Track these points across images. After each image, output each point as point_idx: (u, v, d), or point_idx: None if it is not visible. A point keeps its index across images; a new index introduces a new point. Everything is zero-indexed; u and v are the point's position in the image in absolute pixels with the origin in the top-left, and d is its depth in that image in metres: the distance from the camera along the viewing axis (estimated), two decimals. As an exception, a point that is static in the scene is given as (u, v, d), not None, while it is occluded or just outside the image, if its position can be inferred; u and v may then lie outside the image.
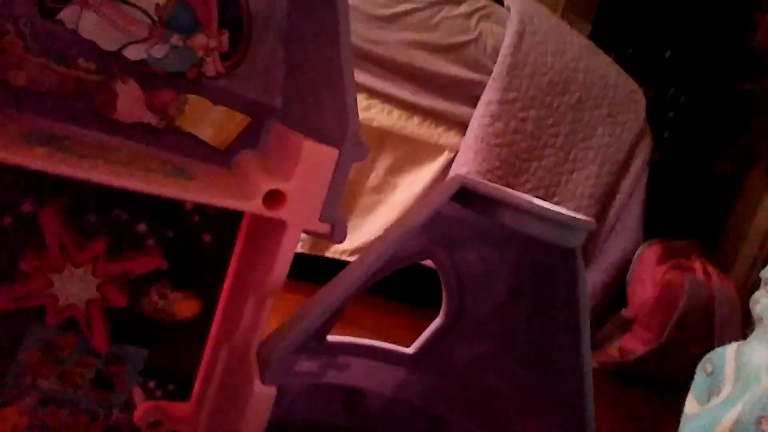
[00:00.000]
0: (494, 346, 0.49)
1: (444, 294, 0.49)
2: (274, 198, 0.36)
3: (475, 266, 0.45)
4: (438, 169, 1.56)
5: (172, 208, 0.43)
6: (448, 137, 1.57)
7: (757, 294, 0.49)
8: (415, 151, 1.53)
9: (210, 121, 0.43)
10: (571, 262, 0.37)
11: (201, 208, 0.44)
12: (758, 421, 0.36)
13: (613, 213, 1.69)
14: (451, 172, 1.52)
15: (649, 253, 1.64)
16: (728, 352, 0.43)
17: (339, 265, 1.34)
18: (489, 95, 1.51)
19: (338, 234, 0.36)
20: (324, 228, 0.36)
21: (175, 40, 0.41)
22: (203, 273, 0.44)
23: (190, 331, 0.46)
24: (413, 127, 1.52)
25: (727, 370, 0.41)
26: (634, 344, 1.56)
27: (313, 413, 0.57)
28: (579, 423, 0.43)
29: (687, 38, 1.99)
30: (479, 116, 1.52)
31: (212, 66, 0.42)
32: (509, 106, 1.55)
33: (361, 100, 1.44)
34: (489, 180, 1.48)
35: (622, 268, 1.65)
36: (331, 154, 0.34)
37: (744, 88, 1.64)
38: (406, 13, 1.46)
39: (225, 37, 0.41)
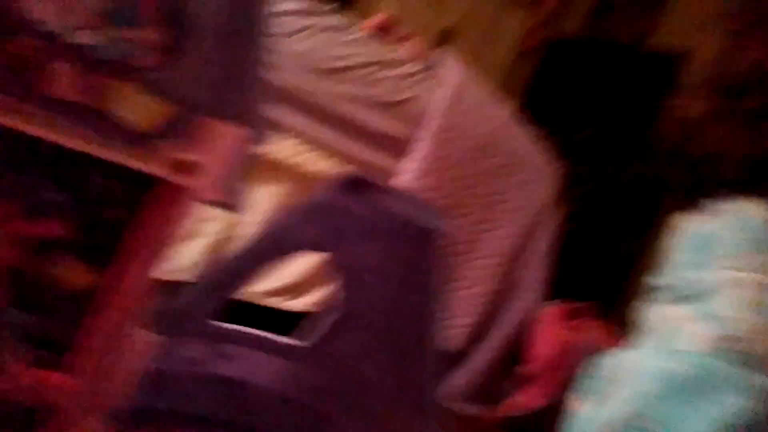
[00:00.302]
0: (372, 338, 0.54)
1: (333, 288, 0.54)
2: (183, 168, 0.41)
3: (359, 260, 0.51)
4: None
5: (82, 180, 0.47)
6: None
7: (637, 303, 0.55)
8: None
9: (138, 108, 0.48)
10: (431, 243, 0.44)
11: (109, 185, 0.47)
12: (638, 419, 0.42)
13: (522, 272, 1.80)
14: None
15: (550, 313, 1.75)
16: (609, 357, 0.49)
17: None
18: (418, 152, 1.62)
19: (237, 205, 0.41)
20: (226, 198, 0.41)
21: (116, 30, 0.46)
22: (102, 246, 0.48)
23: (80, 301, 0.48)
24: (345, 175, 1.58)
25: (607, 373, 0.47)
26: (529, 399, 1.63)
27: (198, 406, 0.60)
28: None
29: (605, 121, 2.21)
30: (408, 170, 1.61)
31: (149, 59, 0.47)
32: (436, 164, 1.66)
33: (296, 145, 1.52)
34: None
35: (525, 325, 1.75)
36: (238, 133, 0.40)
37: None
38: (348, 68, 1.57)
39: (164, 34, 0.46)
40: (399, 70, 1.65)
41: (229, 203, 0.41)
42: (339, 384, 0.58)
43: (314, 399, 0.60)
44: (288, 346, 0.58)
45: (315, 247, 0.52)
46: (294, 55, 1.45)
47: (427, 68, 1.71)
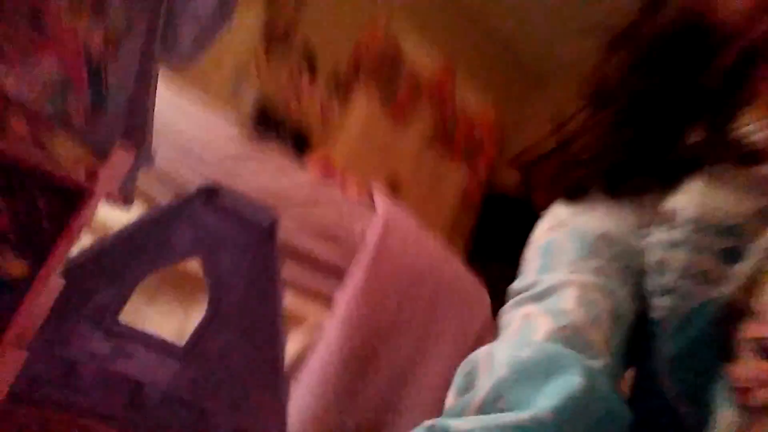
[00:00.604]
0: (234, 333, 0.70)
1: (206, 291, 0.72)
2: (91, 178, 0.61)
3: (226, 266, 0.69)
4: (301, 339, 1.76)
5: (25, 193, 0.66)
6: (313, 308, 1.81)
7: (503, 307, 0.60)
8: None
9: (68, 149, 0.69)
10: (271, 238, 0.63)
11: (47, 199, 0.67)
12: (495, 401, 0.46)
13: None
14: (319, 343, 1.73)
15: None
16: (482, 352, 0.53)
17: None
18: (353, 282, 1.81)
19: (127, 205, 0.61)
20: (119, 199, 0.61)
21: (59, 96, 0.69)
22: (38, 245, 0.66)
23: (15, 289, 0.65)
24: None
25: (481, 367, 0.50)
26: None
27: (100, 403, 0.73)
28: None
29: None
30: (344, 298, 1.79)
31: (77, 115, 0.70)
32: (370, 294, 1.83)
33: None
34: (351, 353, 1.71)
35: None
36: (130, 154, 0.62)
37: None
38: (289, 198, 1.82)
39: (91, 101, 0.70)
40: (335, 206, 1.89)
41: (123, 201, 0.61)
42: (212, 377, 0.73)
43: (193, 394, 0.74)
44: (171, 345, 0.74)
45: (195, 255, 0.71)
46: (236, 181, 1.70)
47: (361, 204, 1.97)
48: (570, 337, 0.50)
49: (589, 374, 0.47)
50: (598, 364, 0.49)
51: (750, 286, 0.49)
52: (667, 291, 0.54)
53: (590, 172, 0.63)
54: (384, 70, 3.19)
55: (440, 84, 3.15)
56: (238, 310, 0.71)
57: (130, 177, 0.61)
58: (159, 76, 0.66)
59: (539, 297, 0.55)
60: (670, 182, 0.59)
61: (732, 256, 0.51)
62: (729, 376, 0.48)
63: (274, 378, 0.66)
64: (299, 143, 2.71)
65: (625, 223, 0.59)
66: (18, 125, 0.69)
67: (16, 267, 0.66)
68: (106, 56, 0.72)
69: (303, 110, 3.22)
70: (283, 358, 0.65)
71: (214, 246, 0.69)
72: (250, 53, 3.16)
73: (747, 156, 0.56)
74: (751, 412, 0.47)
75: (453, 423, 0.45)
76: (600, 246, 0.57)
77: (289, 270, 1.74)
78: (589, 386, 0.46)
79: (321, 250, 1.83)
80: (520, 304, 0.57)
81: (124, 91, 0.69)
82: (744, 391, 0.47)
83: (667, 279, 0.54)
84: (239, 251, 0.68)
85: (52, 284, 0.59)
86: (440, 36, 3.32)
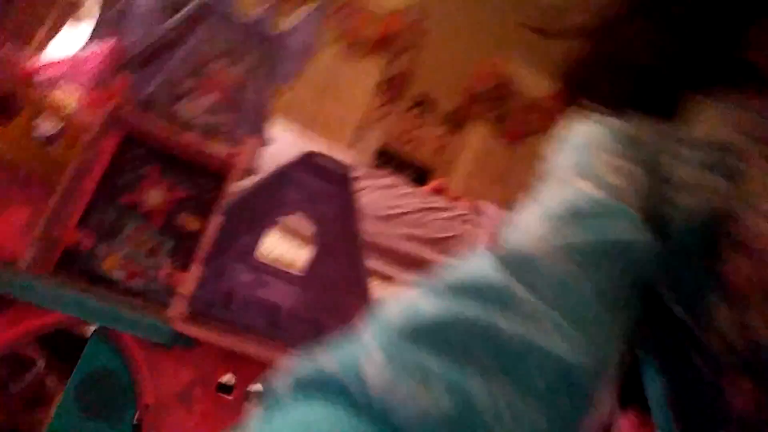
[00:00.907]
0: (336, 260, 1.03)
1: (309, 228, 1.06)
2: (233, 161, 1.00)
3: (322, 211, 1.03)
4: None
5: (194, 175, 1.07)
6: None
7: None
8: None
9: (221, 145, 1.09)
10: (348, 184, 0.96)
11: (207, 176, 1.07)
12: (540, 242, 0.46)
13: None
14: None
15: (626, 422, 1.93)
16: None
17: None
18: None
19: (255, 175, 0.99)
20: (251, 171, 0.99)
21: (212, 115, 1.10)
22: (205, 206, 1.05)
23: (194, 237, 1.04)
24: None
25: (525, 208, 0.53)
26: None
27: (250, 322, 1.09)
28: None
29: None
30: None
31: (226, 125, 1.09)
32: None
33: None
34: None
35: None
36: (256, 143, 1.00)
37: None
38: (402, 214, 2.17)
39: (234, 116, 1.10)
40: (444, 214, 2.20)
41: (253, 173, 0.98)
42: (323, 297, 1.06)
43: (310, 312, 1.07)
44: (293, 275, 1.08)
45: (294, 210, 1.06)
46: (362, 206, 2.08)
47: (471, 213, 2.26)
48: (611, 195, 0.50)
49: (637, 225, 0.48)
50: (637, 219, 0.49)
51: (740, 200, 0.50)
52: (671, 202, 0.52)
53: (625, 78, 0.61)
54: (496, 98, 3.50)
55: (554, 104, 3.39)
56: (334, 243, 1.04)
57: (257, 156, 0.99)
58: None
59: (579, 173, 0.54)
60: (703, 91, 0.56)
61: (732, 175, 0.51)
62: (720, 278, 0.49)
63: (363, 291, 0.98)
64: (419, 178, 3.07)
65: (651, 136, 0.57)
66: (189, 136, 1.09)
67: (194, 222, 1.04)
68: (242, 85, 1.12)
69: (421, 149, 3.60)
70: (365, 274, 0.97)
71: (313, 198, 1.03)
72: (370, 102, 3.63)
73: None
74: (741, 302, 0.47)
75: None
76: (633, 145, 0.57)
77: (396, 272, 2.05)
78: (639, 238, 0.47)
79: (430, 254, 2.13)
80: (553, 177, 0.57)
81: (253, 105, 1.07)
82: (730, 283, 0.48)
83: (676, 193, 0.52)
84: (329, 198, 1.02)
85: (215, 228, 0.96)
86: (551, 61, 3.57)
